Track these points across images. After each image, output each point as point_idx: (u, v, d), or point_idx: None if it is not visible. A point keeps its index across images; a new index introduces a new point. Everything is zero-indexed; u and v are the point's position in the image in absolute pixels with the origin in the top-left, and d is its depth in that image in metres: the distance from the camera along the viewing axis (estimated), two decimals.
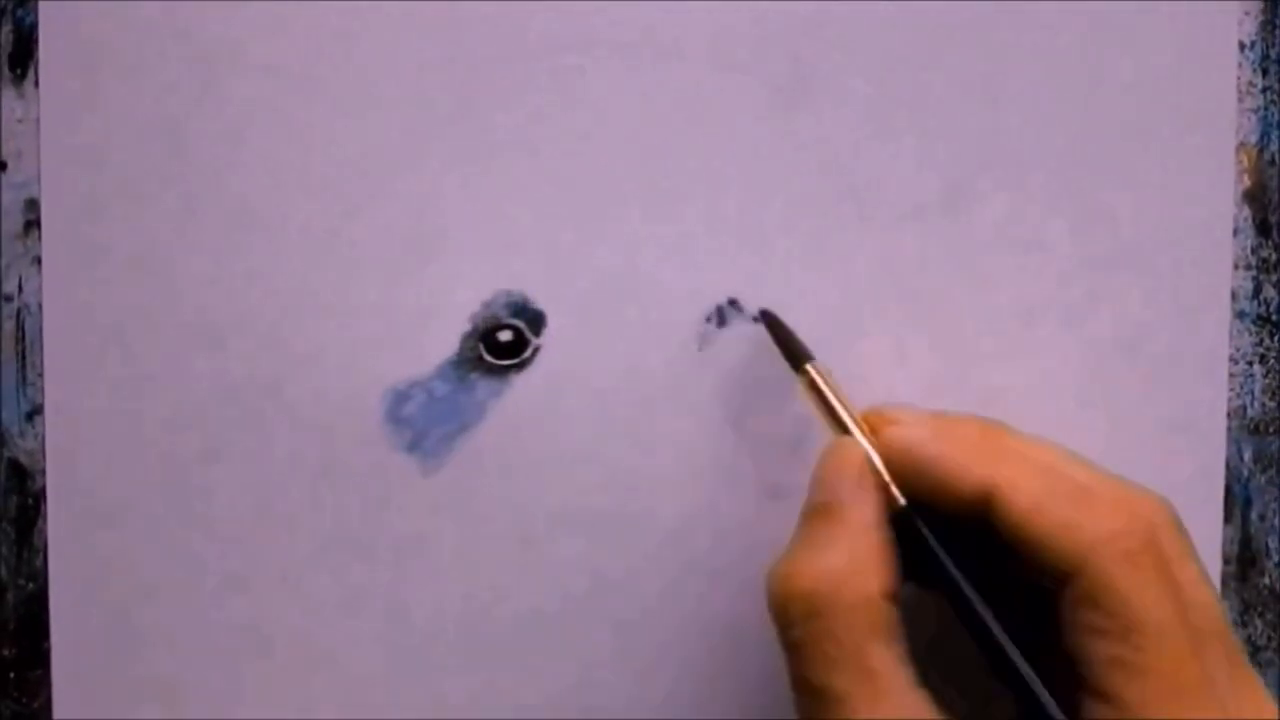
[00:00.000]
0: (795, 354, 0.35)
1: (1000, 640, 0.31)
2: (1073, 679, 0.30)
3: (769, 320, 0.36)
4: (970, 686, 0.32)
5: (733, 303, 0.37)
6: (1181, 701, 0.29)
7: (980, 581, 0.32)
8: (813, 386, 0.34)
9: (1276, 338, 0.39)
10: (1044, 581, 0.31)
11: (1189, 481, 0.39)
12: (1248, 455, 0.39)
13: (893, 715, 0.30)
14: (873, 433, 0.33)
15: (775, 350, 0.36)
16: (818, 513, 0.32)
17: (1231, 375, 0.39)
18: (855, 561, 0.31)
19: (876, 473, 0.32)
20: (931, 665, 0.31)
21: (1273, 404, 0.39)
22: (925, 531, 0.32)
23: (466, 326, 0.37)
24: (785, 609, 0.31)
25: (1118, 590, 0.30)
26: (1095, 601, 0.30)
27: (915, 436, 0.32)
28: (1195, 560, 0.31)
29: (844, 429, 0.33)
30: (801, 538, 0.32)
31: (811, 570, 0.31)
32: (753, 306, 0.37)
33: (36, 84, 0.36)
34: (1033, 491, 0.31)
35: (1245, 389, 0.39)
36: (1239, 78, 0.39)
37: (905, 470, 0.32)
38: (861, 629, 0.30)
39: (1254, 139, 0.39)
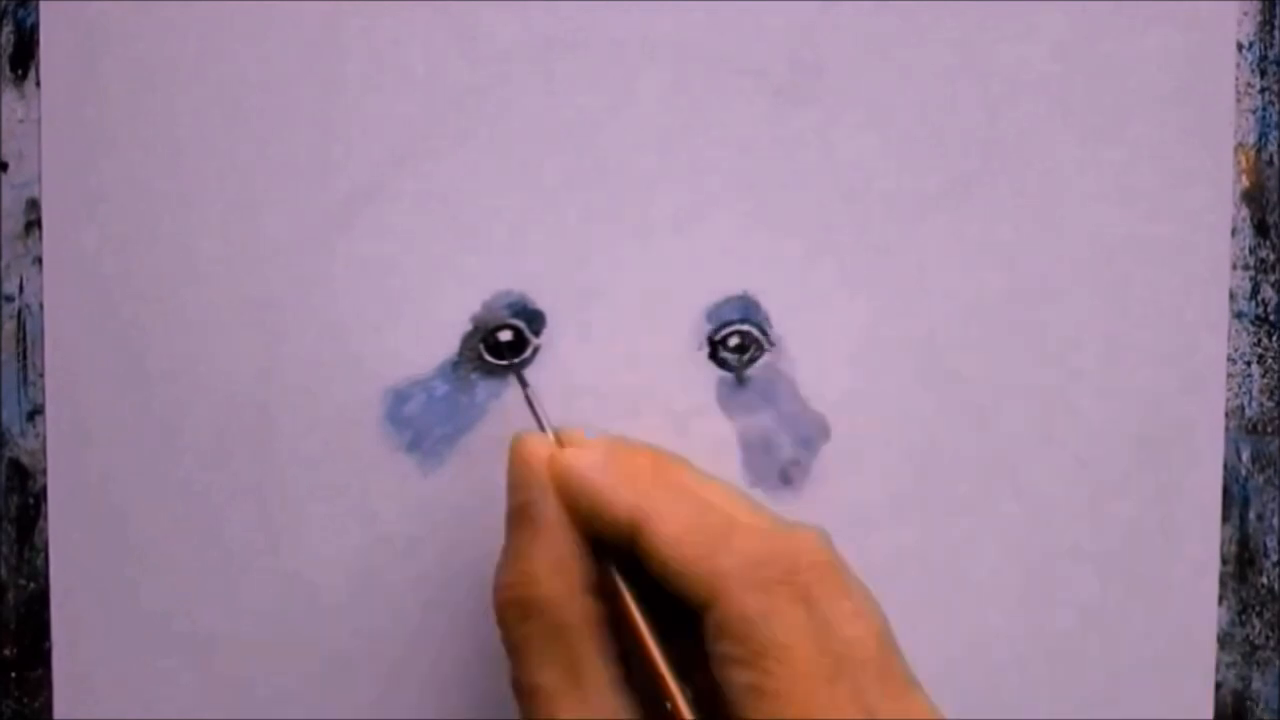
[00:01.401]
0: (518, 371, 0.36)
1: (660, 670, 0.31)
2: (719, 709, 0.30)
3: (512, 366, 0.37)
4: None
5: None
6: None
7: (655, 611, 0.32)
8: (526, 395, 0.35)
9: (1274, 338, 0.39)
10: (689, 611, 0.31)
11: (1187, 481, 0.39)
12: (1246, 455, 0.39)
13: (592, 711, 0.31)
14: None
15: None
16: (515, 517, 0.33)
17: (1230, 375, 0.39)
18: (554, 562, 0.32)
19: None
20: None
21: (1271, 404, 0.39)
22: (613, 573, 0.32)
23: (467, 326, 0.37)
24: (503, 614, 0.32)
25: (748, 617, 0.30)
26: (728, 629, 0.30)
27: (582, 461, 0.33)
28: (850, 594, 0.31)
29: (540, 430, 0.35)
30: (508, 545, 0.33)
31: (517, 575, 0.32)
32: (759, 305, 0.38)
33: (37, 84, 0.36)
34: (678, 523, 0.31)
35: (1243, 389, 0.39)
36: (1237, 78, 0.39)
37: (569, 492, 0.32)
38: (568, 626, 0.31)
39: (1252, 139, 0.39)
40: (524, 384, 0.36)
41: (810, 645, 0.30)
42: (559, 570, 0.32)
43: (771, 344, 0.38)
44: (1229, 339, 0.39)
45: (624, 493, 0.32)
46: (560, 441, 0.34)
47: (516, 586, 0.32)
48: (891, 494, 0.38)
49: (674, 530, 0.31)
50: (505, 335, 0.37)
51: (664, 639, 0.31)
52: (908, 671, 0.31)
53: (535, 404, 0.35)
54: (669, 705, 0.31)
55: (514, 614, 0.32)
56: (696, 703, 0.31)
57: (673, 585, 0.31)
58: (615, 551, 0.32)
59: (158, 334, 0.37)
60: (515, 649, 0.32)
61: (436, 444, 0.37)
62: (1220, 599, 0.39)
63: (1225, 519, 0.39)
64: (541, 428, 0.35)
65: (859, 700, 0.30)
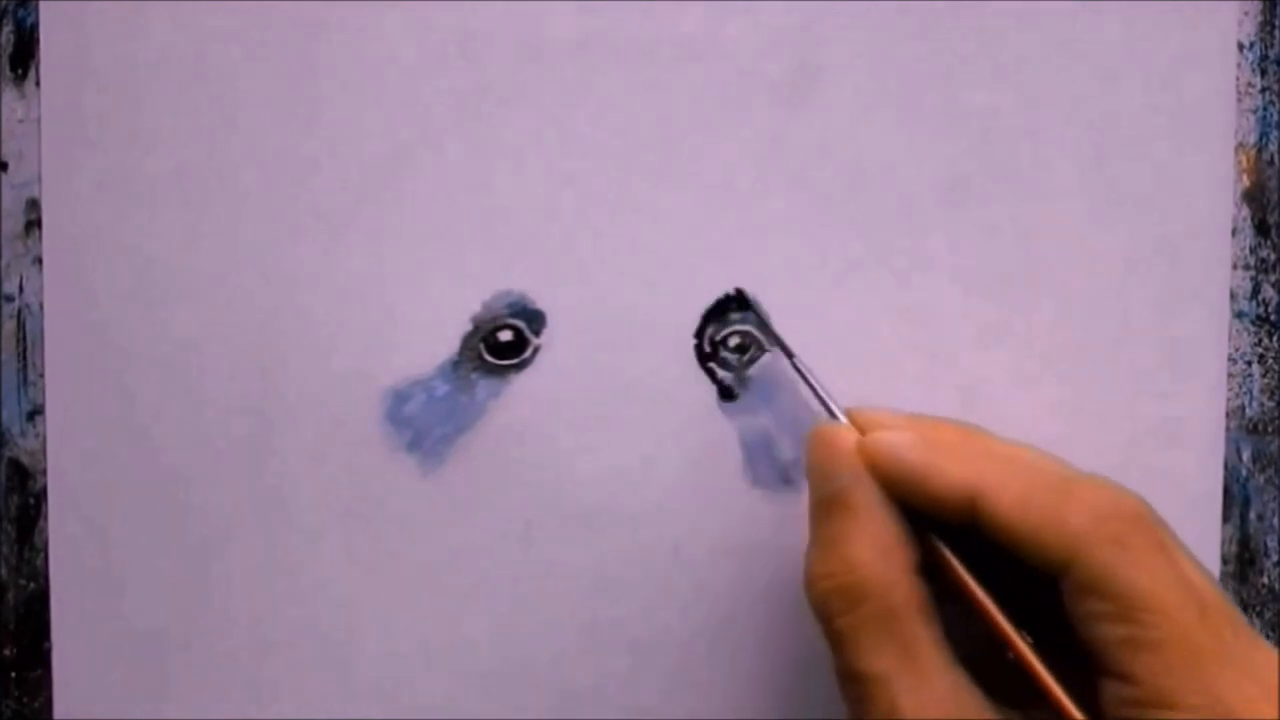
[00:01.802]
0: (786, 346, 0.36)
1: (1022, 650, 0.31)
2: (1089, 665, 0.30)
3: (755, 315, 0.37)
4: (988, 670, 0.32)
5: (730, 300, 0.38)
6: (1199, 667, 0.29)
7: (982, 578, 0.32)
8: (802, 377, 0.35)
9: (1275, 338, 0.39)
10: (1040, 575, 0.31)
11: (1188, 481, 0.39)
12: (1246, 455, 0.39)
13: (936, 692, 0.30)
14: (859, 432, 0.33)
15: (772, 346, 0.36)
16: (828, 504, 0.32)
17: (1230, 375, 0.39)
18: (878, 545, 0.31)
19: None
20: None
21: (1271, 404, 0.39)
22: (942, 549, 0.32)
23: (467, 326, 0.37)
24: (827, 604, 0.32)
25: (1113, 572, 0.30)
26: (1093, 588, 0.30)
27: (899, 441, 0.32)
28: (1183, 546, 0.31)
29: (833, 418, 0.34)
30: (821, 534, 0.32)
31: (840, 563, 0.31)
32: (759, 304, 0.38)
33: (37, 84, 0.36)
34: (1016, 490, 0.31)
35: (1244, 389, 0.39)
36: (1238, 78, 0.39)
37: (890, 475, 0.32)
38: (900, 609, 0.31)
39: (1253, 139, 0.39)
40: (794, 357, 0.35)
41: (1176, 592, 0.30)
42: (885, 553, 0.31)
43: (779, 343, 0.38)
44: (1230, 339, 0.39)
45: (953, 468, 0.31)
46: (856, 422, 0.34)
47: (840, 574, 0.31)
48: None
49: (1015, 497, 0.31)
50: (505, 335, 0.37)
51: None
52: (1241, 614, 0.31)
53: (816, 384, 0.35)
54: (1013, 657, 0.31)
55: (839, 602, 0.31)
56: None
57: (1025, 550, 0.31)
58: (940, 529, 0.32)
59: (157, 334, 0.37)
60: (843, 637, 0.31)
61: (436, 444, 0.37)
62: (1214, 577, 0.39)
63: (1226, 519, 0.39)
64: (826, 408, 0.34)
65: (1221, 643, 0.29)
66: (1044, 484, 0.31)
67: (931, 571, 0.32)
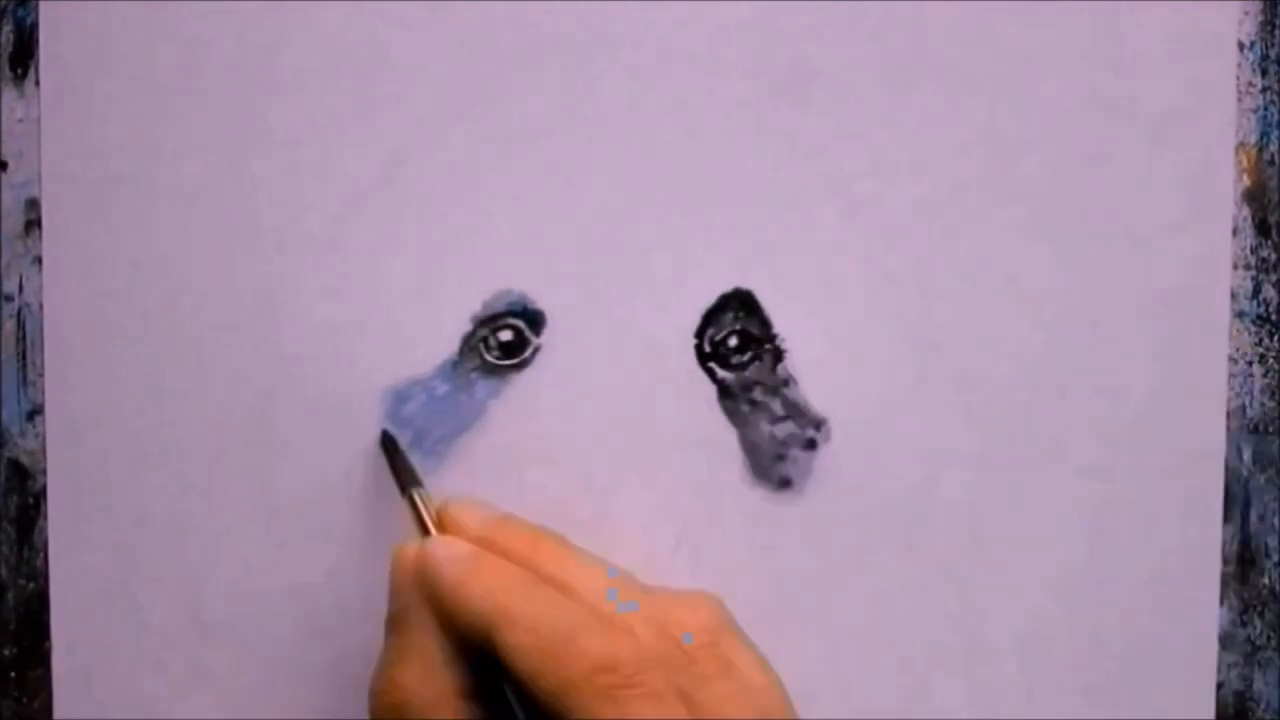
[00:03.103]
0: (403, 478, 0.36)
1: None
2: None
3: (385, 443, 0.37)
4: None
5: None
6: None
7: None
8: (411, 503, 0.35)
9: (1276, 338, 0.39)
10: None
11: (1188, 481, 0.39)
12: (1247, 455, 0.39)
13: None
14: (439, 531, 0.34)
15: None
16: (391, 624, 0.33)
17: (1231, 375, 0.39)
18: (424, 668, 0.32)
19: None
20: None
21: (1272, 404, 0.39)
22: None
23: (467, 326, 0.37)
24: (377, 718, 0.33)
25: None
26: None
27: (442, 553, 0.33)
28: (732, 672, 0.32)
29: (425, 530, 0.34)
30: (384, 651, 0.33)
31: (388, 682, 0.32)
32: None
33: (37, 84, 0.36)
34: (527, 628, 0.31)
35: (1245, 389, 0.39)
36: (1238, 78, 0.39)
37: (431, 590, 0.32)
38: None
39: (1254, 139, 0.39)
40: (395, 447, 0.36)
41: None
42: (429, 678, 0.32)
43: (772, 344, 0.38)
44: (1230, 339, 0.39)
45: (477, 594, 0.32)
46: (445, 518, 0.34)
47: (387, 694, 0.32)
48: (892, 494, 0.38)
49: (523, 638, 0.31)
50: (505, 335, 0.37)
51: None
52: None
53: (406, 470, 0.36)
54: None
55: (398, 717, 0.32)
56: None
57: (529, 691, 0.31)
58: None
59: (157, 334, 0.37)
60: None
61: (436, 444, 0.37)
62: (1221, 599, 0.39)
63: (1226, 519, 0.39)
64: (425, 531, 0.35)
65: None
66: (557, 626, 0.31)
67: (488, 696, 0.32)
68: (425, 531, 0.34)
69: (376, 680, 0.33)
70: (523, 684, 0.31)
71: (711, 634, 0.32)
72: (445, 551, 0.33)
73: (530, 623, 0.31)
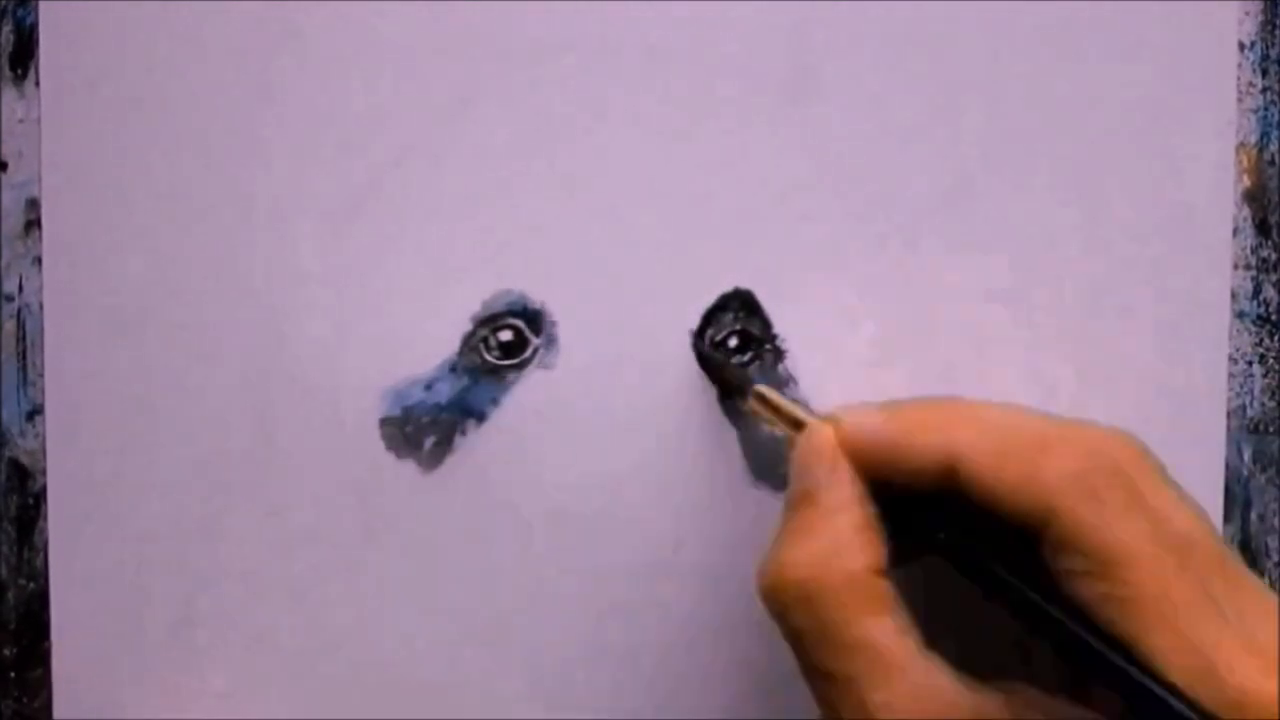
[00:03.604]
0: (736, 384, 0.36)
1: (1074, 629, 0.30)
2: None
3: (701, 355, 0.37)
4: (978, 644, 0.32)
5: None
6: (1179, 623, 0.29)
7: (968, 547, 0.32)
8: (762, 401, 0.35)
9: (1276, 338, 0.39)
10: (1024, 536, 0.31)
11: (1188, 481, 0.39)
12: (1247, 455, 0.39)
13: (904, 686, 0.30)
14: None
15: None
16: (796, 501, 0.32)
17: (1231, 375, 0.39)
18: (836, 543, 0.31)
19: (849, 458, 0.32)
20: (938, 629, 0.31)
21: (1272, 404, 0.39)
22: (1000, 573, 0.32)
23: (467, 326, 0.37)
24: (777, 599, 0.31)
25: (1086, 528, 0.29)
26: (1069, 544, 0.30)
27: (871, 422, 0.32)
28: (1170, 485, 0.31)
29: (801, 427, 0.34)
30: (784, 528, 0.32)
31: (795, 558, 0.31)
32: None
33: (37, 84, 0.36)
34: (990, 451, 0.31)
35: (1245, 389, 0.39)
36: (1239, 78, 0.39)
37: (868, 457, 0.32)
38: (854, 607, 0.30)
39: (1254, 139, 0.39)
40: (762, 391, 0.35)
41: (1152, 544, 0.29)
42: (844, 551, 0.31)
43: (772, 344, 0.38)
44: (1230, 339, 0.39)
45: (926, 438, 0.31)
46: (835, 420, 0.33)
47: (793, 567, 0.31)
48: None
49: (989, 458, 0.30)
50: (505, 335, 0.37)
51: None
52: (1239, 559, 0.30)
53: (784, 400, 0.35)
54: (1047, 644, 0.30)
55: (791, 596, 0.31)
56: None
57: (1004, 511, 0.30)
58: (921, 507, 0.32)
59: (157, 334, 0.37)
60: (798, 634, 0.31)
61: (436, 444, 0.37)
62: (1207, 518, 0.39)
63: (1226, 519, 0.39)
64: (795, 420, 0.34)
65: (1206, 592, 0.29)
66: (1018, 442, 0.31)
67: (903, 552, 0.32)
68: (794, 423, 0.33)
69: (776, 554, 0.31)
70: (998, 503, 0.30)
71: (1144, 459, 0.31)
72: (866, 414, 0.32)
73: (994, 443, 0.31)
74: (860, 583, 0.31)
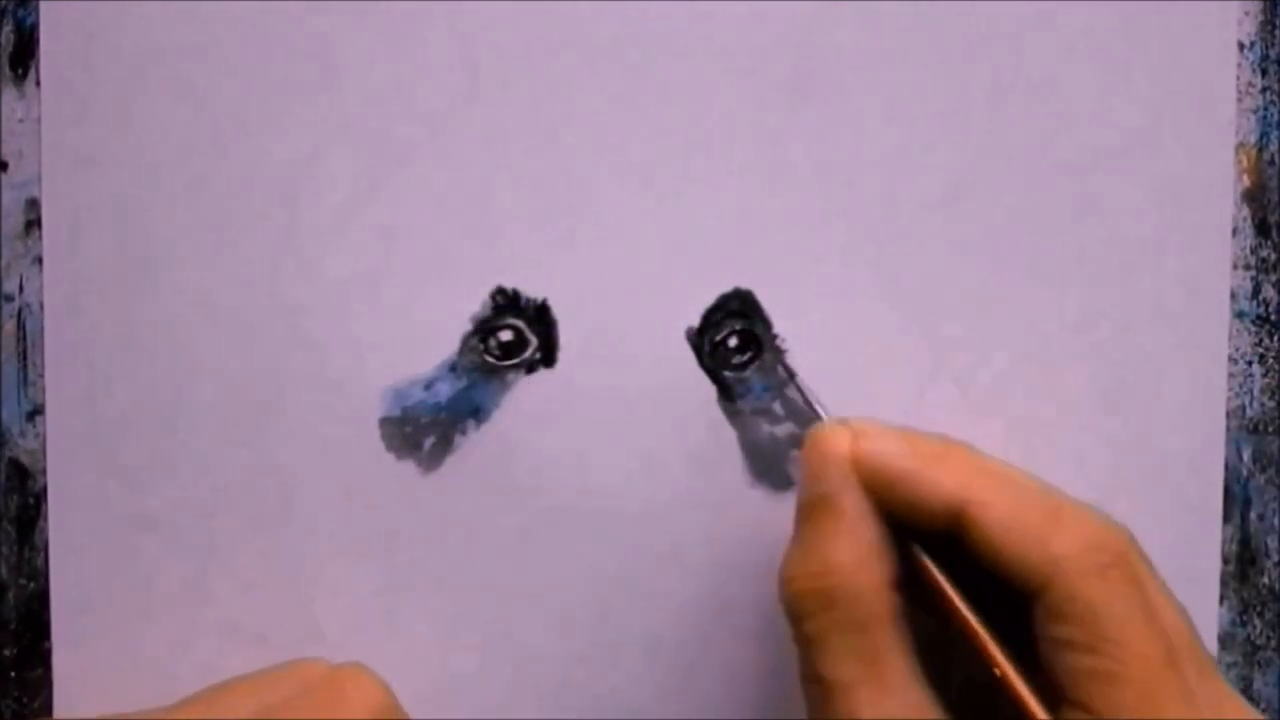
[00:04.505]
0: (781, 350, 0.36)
1: (996, 657, 0.31)
2: (1050, 689, 0.30)
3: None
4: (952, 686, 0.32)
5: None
6: (1157, 708, 0.29)
7: (962, 590, 0.32)
8: (798, 386, 0.35)
9: (1276, 337, 0.39)
10: (1015, 595, 0.31)
11: (1188, 481, 0.39)
12: (1247, 455, 0.39)
13: (898, 702, 0.30)
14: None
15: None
16: (814, 507, 0.32)
17: (1231, 375, 0.39)
18: (858, 552, 0.31)
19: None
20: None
21: (1272, 404, 0.39)
22: (925, 560, 0.32)
23: (466, 326, 0.37)
24: (801, 604, 0.32)
25: (1088, 602, 0.30)
26: (1065, 614, 0.30)
27: (891, 448, 0.32)
28: (1162, 585, 0.32)
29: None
30: (804, 533, 0.32)
31: (818, 565, 0.31)
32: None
33: (37, 84, 0.36)
34: (1005, 506, 0.31)
35: (1244, 389, 0.39)
36: (1238, 78, 0.39)
37: (880, 481, 0.32)
38: (871, 618, 0.31)
39: (1253, 139, 0.39)
40: (792, 374, 0.36)
41: (1146, 630, 0.30)
42: (863, 562, 0.31)
43: (772, 344, 0.38)
44: (1230, 339, 0.39)
45: (943, 477, 0.32)
46: (849, 430, 0.33)
47: (817, 577, 0.31)
48: None
49: (1003, 513, 0.31)
50: (505, 335, 0.37)
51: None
52: (1213, 660, 0.31)
53: (810, 395, 0.35)
54: (997, 673, 0.31)
55: (812, 604, 0.31)
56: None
57: (1005, 567, 0.31)
58: (923, 541, 0.32)
59: (157, 334, 0.37)
60: (812, 641, 0.31)
61: (437, 444, 0.37)
62: (1221, 599, 0.39)
63: (1226, 519, 0.39)
64: (818, 414, 0.35)
65: (1184, 687, 0.30)
66: (1033, 504, 0.31)
67: (908, 586, 0.32)
68: (816, 416, 0.34)
69: (801, 562, 0.32)
70: (1001, 560, 0.31)
71: (1139, 551, 0.32)
72: (887, 440, 0.32)
73: (1012, 501, 0.31)
74: (879, 595, 0.31)
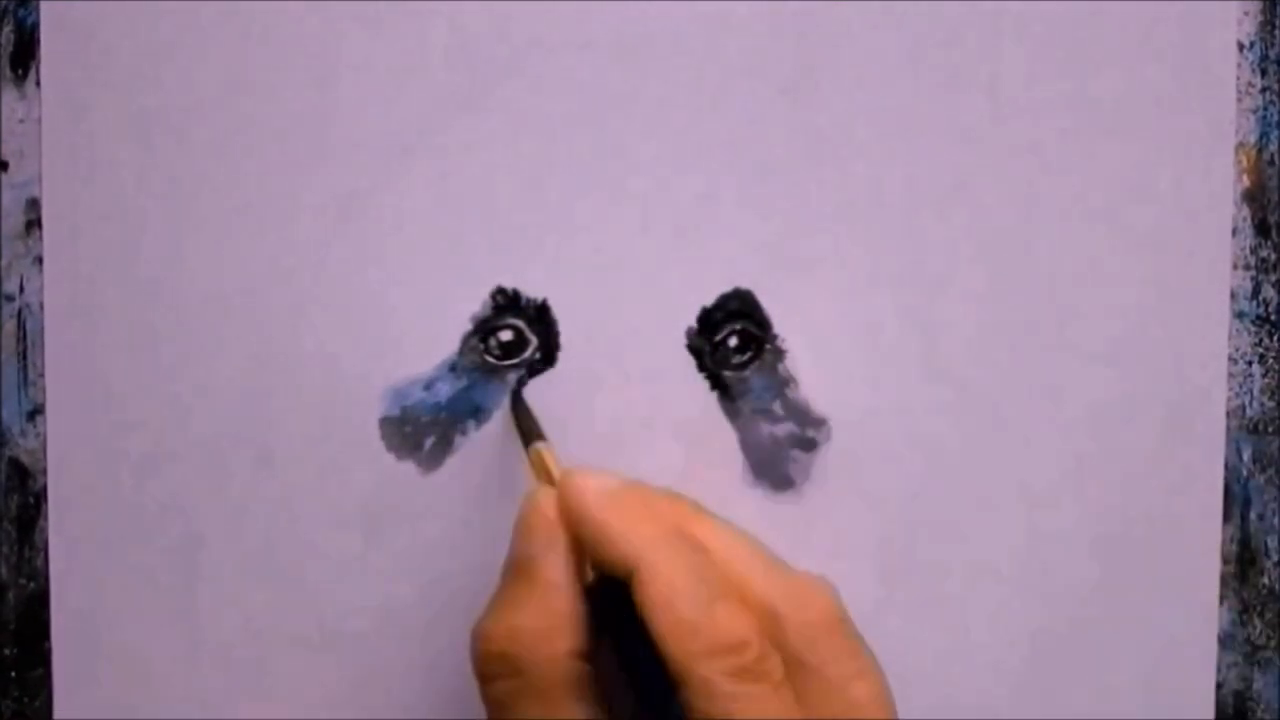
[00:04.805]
0: (529, 433, 0.36)
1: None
2: None
3: (514, 402, 0.37)
4: None
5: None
6: None
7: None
8: (538, 459, 0.35)
9: (1275, 337, 0.39)
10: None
11: (1188, 481, 0.39)
12: (1247, 455, 0.39)
13: None
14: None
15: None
16: (517, 568, 0.33)
17: (1231, 375, 0.39)
18: (546, 621, 0.31)
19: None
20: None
21: (1272, 404, 0.39)
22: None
23: (466, 326, 0.37)
24: (487, 667, 0.32)
25: (704, 703, 0.30)
26: (694, 707, 0.30)
27: (595, 489, 0.32)
28: (855, 654, 0.32)
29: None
30: (501, 594, 0.33)
31: (506, 630, 0.32)
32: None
33: (37, 84, 0.36)
34: (668, 583, 0.31)
35: (1244, 389, 0.39)
36: (1238, 78, 0.39)
37: (573, 520, 0.32)
38: (552, 688, 0.31)
39: (1253, 139, 0.39)
40: (519, 397, 0.36)
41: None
42: (552, 630, 0.31)
43: (772, 344, 0.38)
44: (1230, 339, 0.39)
45: (628, 533, 0.31)
46: (567, 478, 0.33)
47: (504, 640, 0.32)
48: (892, 494, 0.38)
49: (662, 593, 0.31)
50: (505, 335, 0.37)
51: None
52: None
53: (533, 423, 0.35)
54: None
55: (499, 667, 0.32)
56: None
57: (656, 644, 0.31)
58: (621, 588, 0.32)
59: (157, 334, 0.37)
60: (494, 702, 0.32)
61: (437, 444, 0.37)
62: (1221, 599, 0.39)
63: (1226, 519, 0.39)
64: (529, 443, 0.35)
65: None
66: (691, 591, 0.31)
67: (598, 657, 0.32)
68: (551, 485, 0.34)
69: (490, 625, 0.32)
70: (650, 633, 0.30)
71: (827, 627, 0.32)
72: (595, 483, 0.32)
73: (671, 579, 0.31)
74: (562, 665, 0.31)
